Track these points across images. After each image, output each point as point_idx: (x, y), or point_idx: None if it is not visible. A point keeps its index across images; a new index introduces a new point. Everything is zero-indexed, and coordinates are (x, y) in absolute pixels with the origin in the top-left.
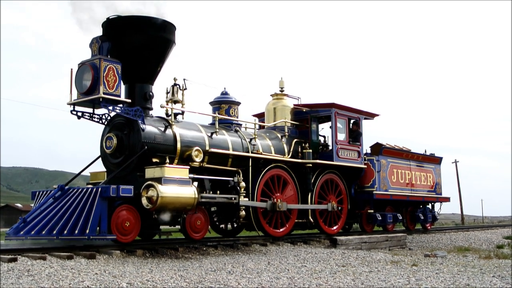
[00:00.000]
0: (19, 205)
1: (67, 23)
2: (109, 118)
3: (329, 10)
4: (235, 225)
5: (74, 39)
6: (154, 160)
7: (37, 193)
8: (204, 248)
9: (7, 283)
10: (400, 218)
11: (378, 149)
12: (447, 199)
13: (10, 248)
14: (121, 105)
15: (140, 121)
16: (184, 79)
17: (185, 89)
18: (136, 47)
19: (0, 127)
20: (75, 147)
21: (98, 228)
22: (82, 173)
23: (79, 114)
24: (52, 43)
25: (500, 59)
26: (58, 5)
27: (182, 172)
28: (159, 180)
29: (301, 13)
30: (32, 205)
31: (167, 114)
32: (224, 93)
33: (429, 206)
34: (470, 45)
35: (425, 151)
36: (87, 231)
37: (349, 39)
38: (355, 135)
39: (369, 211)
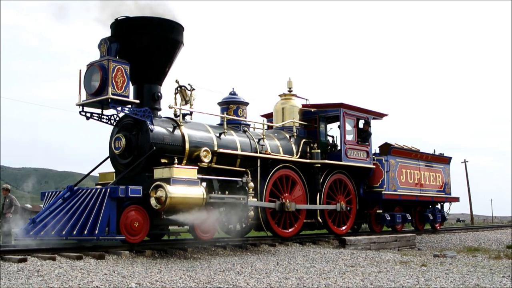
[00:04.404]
0: (28, 205)
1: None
2: (117, 118)
3: (337, 10)
4: (244, 226)
5: (73, 39)
6: (163, 160)
7: (47, 193)
8: (213, 249)
9: (17, 283)
10: (409, 218)
11: (387, 149)
12: (456, 199)
13: (20, 249)
14: (129, 106)
15: (148, 122)
16: (189, 84)
17: (194, 89)
18: (144, 48)
19: (0, 127)
20: (84, 148)
21: (107, 228)
22: (91, 174)
23: (88, 115)
24: (50, 43)
25: (510, 58)
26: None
27: (190, 172)
28: (167, 180)
29: (309, 14)
30: (42, 205)
31: (175, 115)
32: (232, 94)
33: (438, 206)
34: (479, 44)
35: (434, 151)
36: (96, 231)
37: (357, 39)
38: (365, 135)
39: (378, 211)
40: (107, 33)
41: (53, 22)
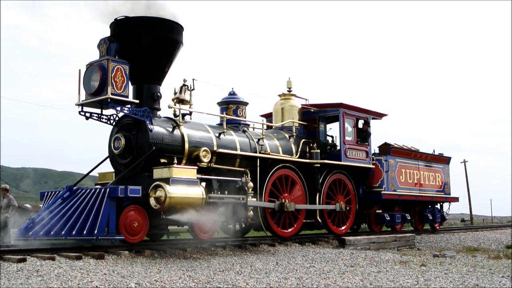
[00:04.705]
0: (28, 205)
1: (66, 22)
2: (117, 118)
3: (337, 10)
4: (243, 226)
5: (73, 39)
6: (162, 160)
7: (46, 193)
8: (212, 249)
9: (16, 283)
10: (409, 218)
11: (386, 149)
12: (455, 199)
13: (19, 249)
14: (129, 106)
15: (148, 122)
16: (193, 79)
17: (193, 89)
18: (144, 47)
19: (0, 127)
20: (84, 148)
21: (106, 228)
22: (91, 174)
23: (87, 114)
24: (50, 43)
25: (510, 58)
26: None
27: (190, 172)
28: (167, 180)
29: (309, 13)
30: (41, 205)
31: (174, 115)
32: (232, 94)
33: (438, 206)
34: (479, 44)
35: (434, 151)
36: (96, 231)
37: (357, 38)
38: (364, 135)
39: (377, 211)
40: (100, 22)
41: (28, 10)
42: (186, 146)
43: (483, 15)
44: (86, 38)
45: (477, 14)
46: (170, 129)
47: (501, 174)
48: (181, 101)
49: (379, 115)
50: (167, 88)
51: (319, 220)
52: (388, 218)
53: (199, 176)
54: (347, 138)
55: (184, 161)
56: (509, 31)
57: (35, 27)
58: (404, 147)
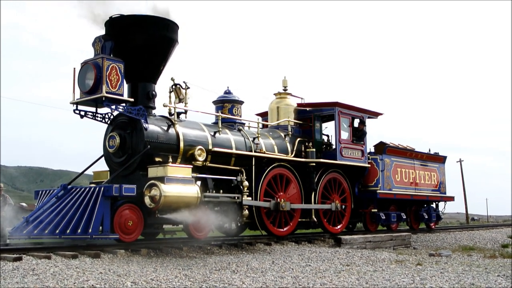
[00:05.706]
0: (24, 204)
1: (66, 22)
2: (112, 117)
3: (332, 9)
4: (238, 225)
5: (73, 39)
6: (157, 159)
7: (40, 192)
8: (209, 247)
9: (12, 282)
10: (404, 217)
11: (382, 148)
12: (451, 198)
13: (15, 247)
14: (124, 104)
15: (143, 120)
16: (184, 82)
17: (188, 88)
18: (139, 46)
19: (0, 126)
20: (79, 147)
21: (100, 227)
22: (86, 172)
23: (82, 113)
24: (50, 43)
25: (507, 58)
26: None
27: (185, 171)
28: (162, 179)
29: (305, 13)
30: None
31: (170, 113)
32: (227, 92)
33: (433, 205)
34: (476, 43)
35: (429, 150)
36: (90, 230)
37: (352, 38)
38: (360, 134)
39: (373, 210)
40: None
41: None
42: (181, 144)
43: (483, 15)
44: (86, 38)
45: (477, 14)
46: (165, 128)
47: (498, 174)
48: (176, 95)
49: (375, 114)
50: (162, 87)
51: (315, 219)
52: (384, 217)
53: (194, 175)
54: (342, 137)
55: (179, 160)
56: (509, 31)
57: (35, 27)
58: (400, 146)
